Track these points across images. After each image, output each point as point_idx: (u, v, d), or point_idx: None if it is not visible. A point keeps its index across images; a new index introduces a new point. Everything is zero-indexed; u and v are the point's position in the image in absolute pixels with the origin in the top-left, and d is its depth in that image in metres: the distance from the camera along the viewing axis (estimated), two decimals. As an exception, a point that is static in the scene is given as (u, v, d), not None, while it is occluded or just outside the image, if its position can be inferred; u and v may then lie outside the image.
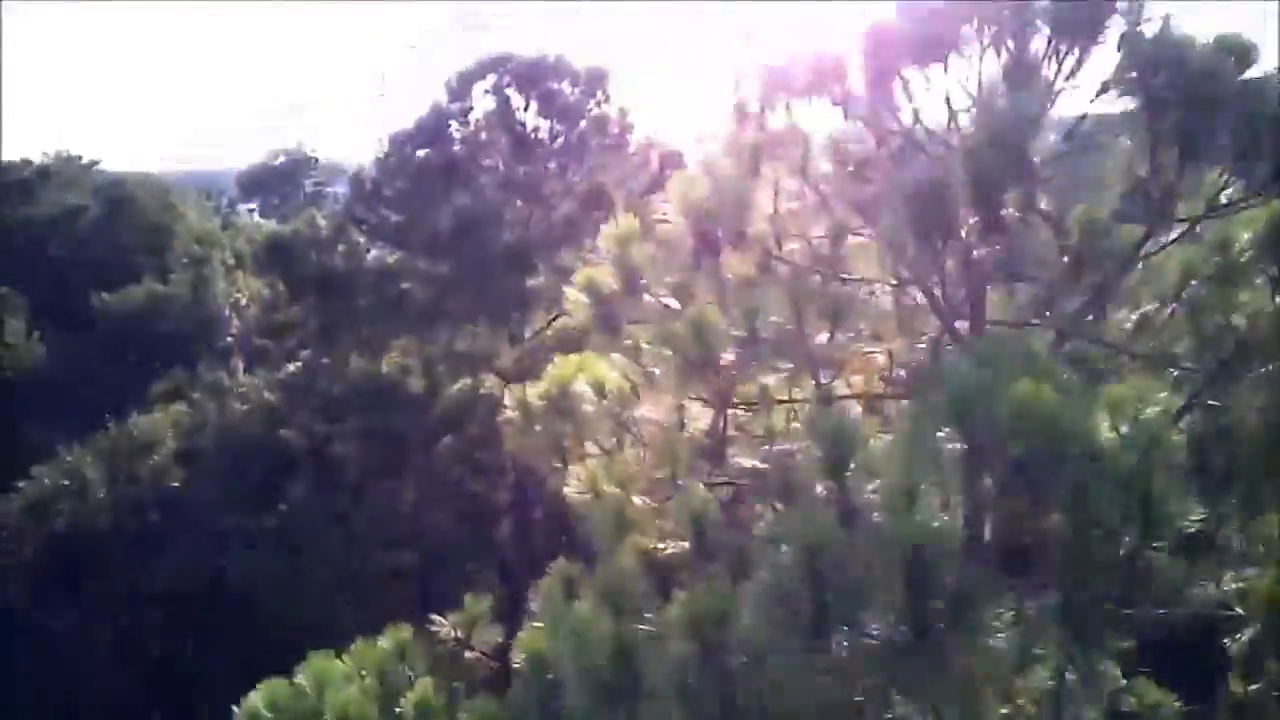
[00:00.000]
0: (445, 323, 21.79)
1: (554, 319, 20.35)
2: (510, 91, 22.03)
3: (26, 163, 51.34)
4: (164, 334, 42.45)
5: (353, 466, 22.31)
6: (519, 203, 21.80)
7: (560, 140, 22.21)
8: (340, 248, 22.77)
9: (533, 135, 22.10)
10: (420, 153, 21.90)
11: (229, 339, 42.36)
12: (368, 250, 23.05)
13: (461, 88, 22.51)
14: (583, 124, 22.16)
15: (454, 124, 22.26)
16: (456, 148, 21.90)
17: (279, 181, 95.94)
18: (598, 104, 22.50)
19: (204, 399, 26.76)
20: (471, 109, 22.47)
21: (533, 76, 22.02)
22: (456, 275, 20.81)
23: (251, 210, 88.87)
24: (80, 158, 69.73)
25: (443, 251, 20.99)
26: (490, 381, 21.21)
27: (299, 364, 23.74)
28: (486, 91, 22.23)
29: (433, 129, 22.28)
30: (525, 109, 22.25)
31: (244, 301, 43.02)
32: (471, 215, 20.46)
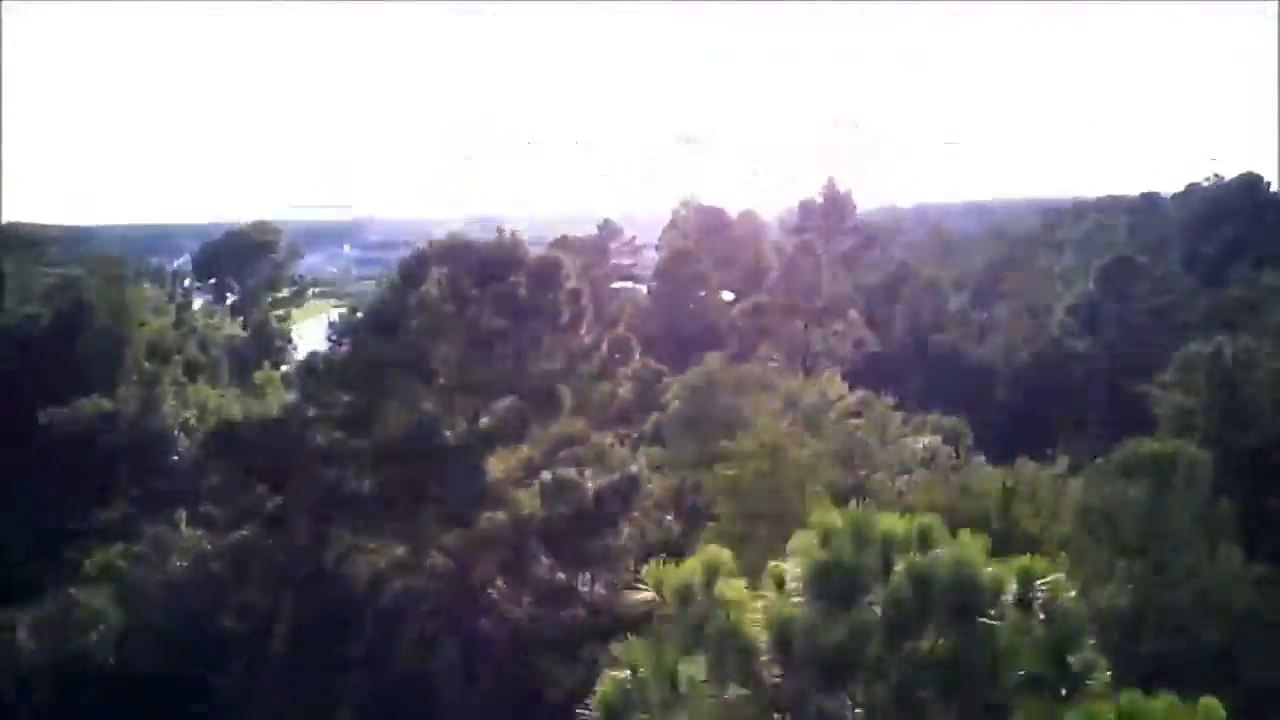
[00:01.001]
0: (392, 515, 21.90)
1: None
2: (465, 283, 22.40)
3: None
4: (111, 450, 42.06)
5: (288, 651, 22.16)
6: (468, 408, 22.07)
7: (513, 337, 22.55)
8: (291, 432, 22.85)
9: (486, 334, 22.41)
10: (373, 340, 22.16)
11: (174, 458, 42.07)
12: (316, 439, 23.09)
13: (416, 274, 22.81)
14: (534, 322, 22.56)
15: (410, 315, 22.53)
16: (411, 333, 22.16)
17: (238, 261, 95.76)
18: (550, 295, 22.91)
19: (147, 561, 26.51)
20: (423, 302, 22.73)
21: (486, 271, 22.37)
22: (404, 474, 20.99)
23: (208, 298, 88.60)
24: (33, 242, 69.34)
25: (391, 454, 21.16)
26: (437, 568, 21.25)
27: (245, 534, 23.66)
28: (440, 279, 22.57)
29: (386, 318, 22.53)
30: (479, 300, 22.60)
31: (193, 420, 42.83)
32: (421, 424, 20.66)
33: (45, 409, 42.48)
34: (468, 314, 22.57)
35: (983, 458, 62.32)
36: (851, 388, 72.95)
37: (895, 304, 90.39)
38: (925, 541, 6.13)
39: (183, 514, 28.04)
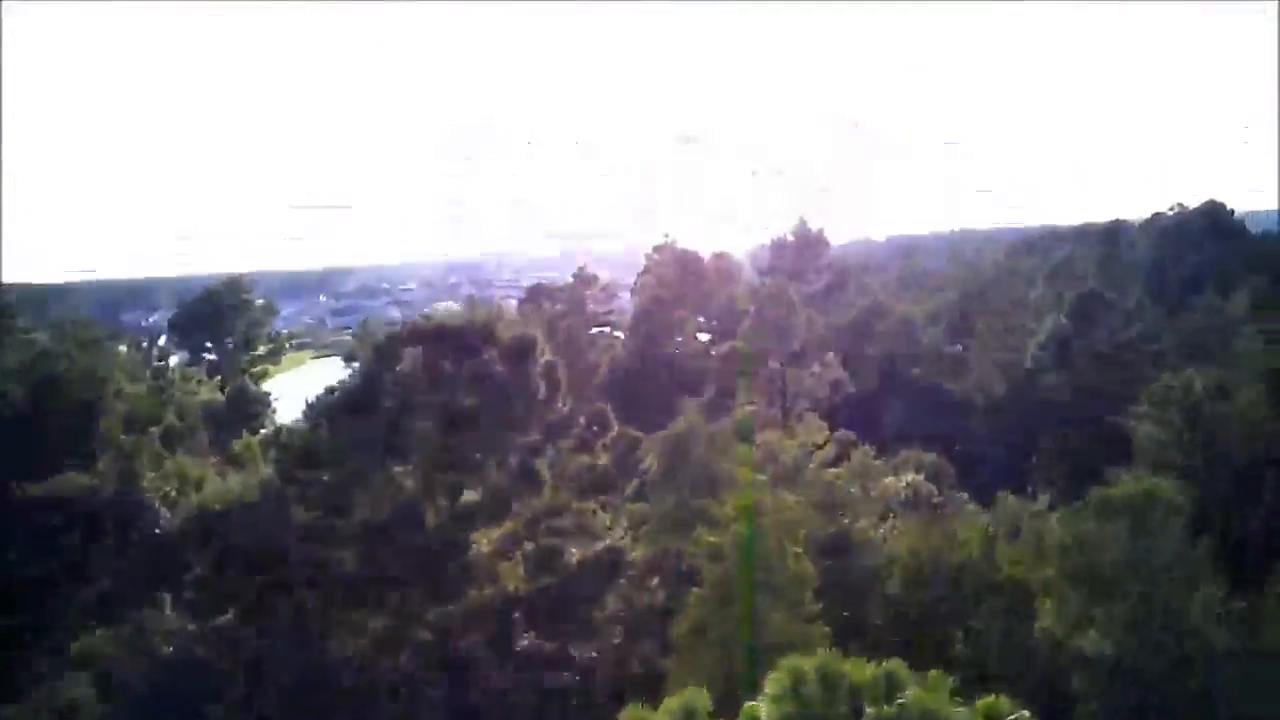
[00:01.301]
0: (374, 594, 21.93)
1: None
2: (440, 361, 22.57)
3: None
4: (91, 525, 41.67)
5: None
6: (446, 486, 22.18)
7: (490, 415, 22.70)
8: (269, 512, 22.87)
9: (462, 412, 22.58)
10: (351, 417, 22.27)
11: (156, 530, 41.76)
12: (297, 518, 23.10)
13: (391, 353, 22.98)
14: (509, 399, 22.73)
15: (385, 394, 22.67)
16: (388, 408, 22.27)
17: (213, 320, 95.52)
18: (524, 371, 23.10)
19: (131, 647, 26.32)
20: (400, 380, 22.87)
21: (461, 346, 22.57)
22: (386, 554, 21.02)
23: (184, 356, 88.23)
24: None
25: (372, 536, 21.20)
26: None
27: (229, 619, 23.59)
28: (415, 357, 22.73)
29: (361, 397, 22.67)
30: (454, 379, 22.75)
31: (172, 493, 42.60)
32: (400, 508, 20.72)
33: (20, 486, 42.23)
34: (443, 393, 22.70)
35: (964, 495, 62.84)
36: (831, 428, 73.67)
37: (869, 341, 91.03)
38: (893, 688, 6.31)
39: (166, 598, 27.83)
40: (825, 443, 38.26)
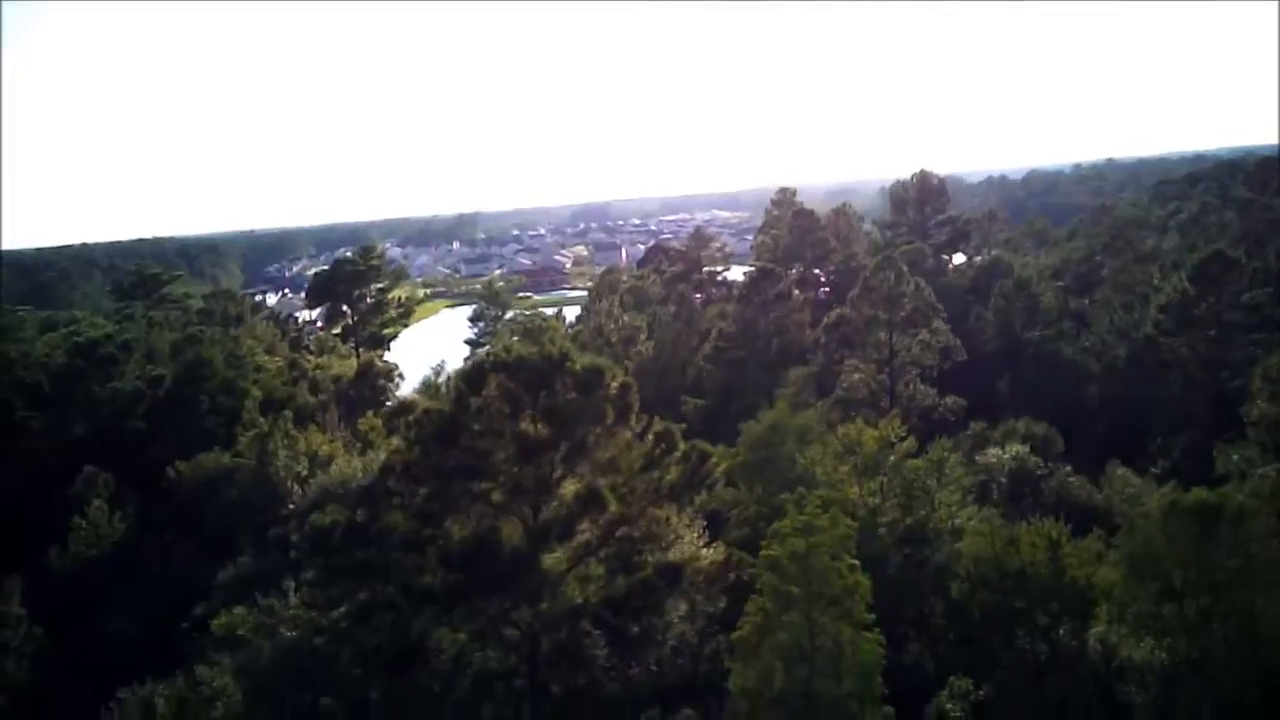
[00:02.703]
0: (462, 605, 24.60)
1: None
2: (517, 393, 24.83)
3: (106, 337, 55.95)
4: (231, 502, 45.99)
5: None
6: (524, 506, 24.59)
7: (563, 444, 24.93)
8: (373, 530, 25.75)
9: (535, 442, 24.85)
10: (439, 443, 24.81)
11: (291, 505, 45.70)
12: (399, 528, 25.81)
13: (474, 383, 25.38)
14: (578, 428, 24.87)
15: (470, 422, 25.08)
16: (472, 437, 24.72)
17: (347, 286, 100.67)
18: (594, 399, 25.18)
19: (262, 629, 29.85)
20: (483, 408, 25.26)
21: (536, 381, 24.79)
22: (471, 571, 23.61)
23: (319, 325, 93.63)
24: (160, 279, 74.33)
25: (457, 556, 23.78)
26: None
27: (341, 614, 26.68)
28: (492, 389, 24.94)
29: (450, 423, 25.18)
30: (531, 408, 25.01)
31: (303, 471, 46.51)
32: (480, 534, 23.18)
33: (174, 465, 46.93)
34: (520, 423, 25.04)
35: (1068, 467, 62.69)
36: (941, 394, 73.84)
37: (987, 302, 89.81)
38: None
39: (290, 585, 31.15)
40: (906, 435, 39.34)
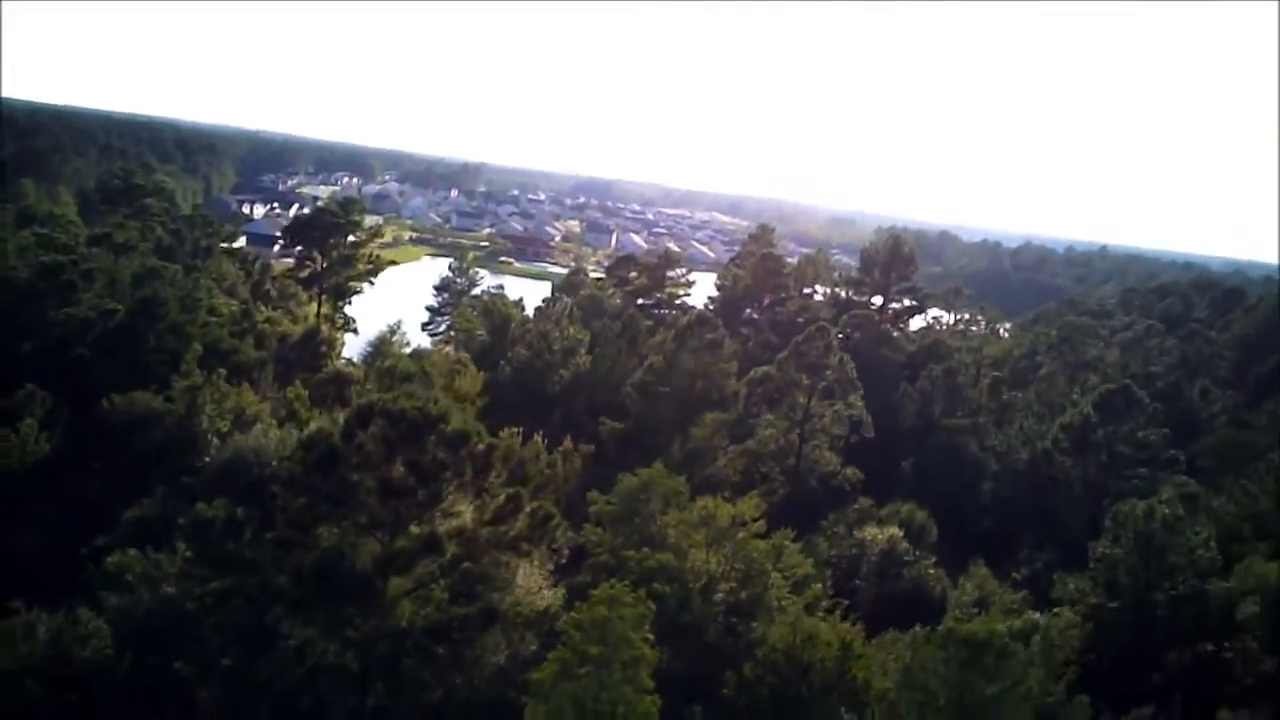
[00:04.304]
0: (314, 610, 28.91)
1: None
2: (393, 439, 29.11)
3: (71, 262, 59.47)
4: (154, 443, 49.83)
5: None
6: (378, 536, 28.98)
7: (421, 492, 29.23)
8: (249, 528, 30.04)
9: (399, 485, 29.14)
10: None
11: (206, 459, 49.62)
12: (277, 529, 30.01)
13: (362, 421, 29.53)
14: (439, 481, 29.13)
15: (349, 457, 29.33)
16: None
17: (322, 234, 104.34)
18: (460, 454, 29.46)
19: (142, 581, 33.90)
20: (361, 446, 29.38)
21: (410, 433, 28.99)
22: (325, 585, 28.07)
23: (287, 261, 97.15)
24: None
25: (317, 569, 28.12)
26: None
27: (210, 589, 30.77)
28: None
29: (331, 454, 29.34)
30: (401, 456, 29.36)
31: (225, 427, 50.46)
32: (329, 553, 27.53)
33: (110, 398, 50.71)
34: (389, 467, 29.28)
35: (933, 559, 67.68)
36: (847, 464, 78.64)
37: (920, 377, 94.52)
38: None
39: (180, 547, 35.05)
40: (759, 518, 43.79)
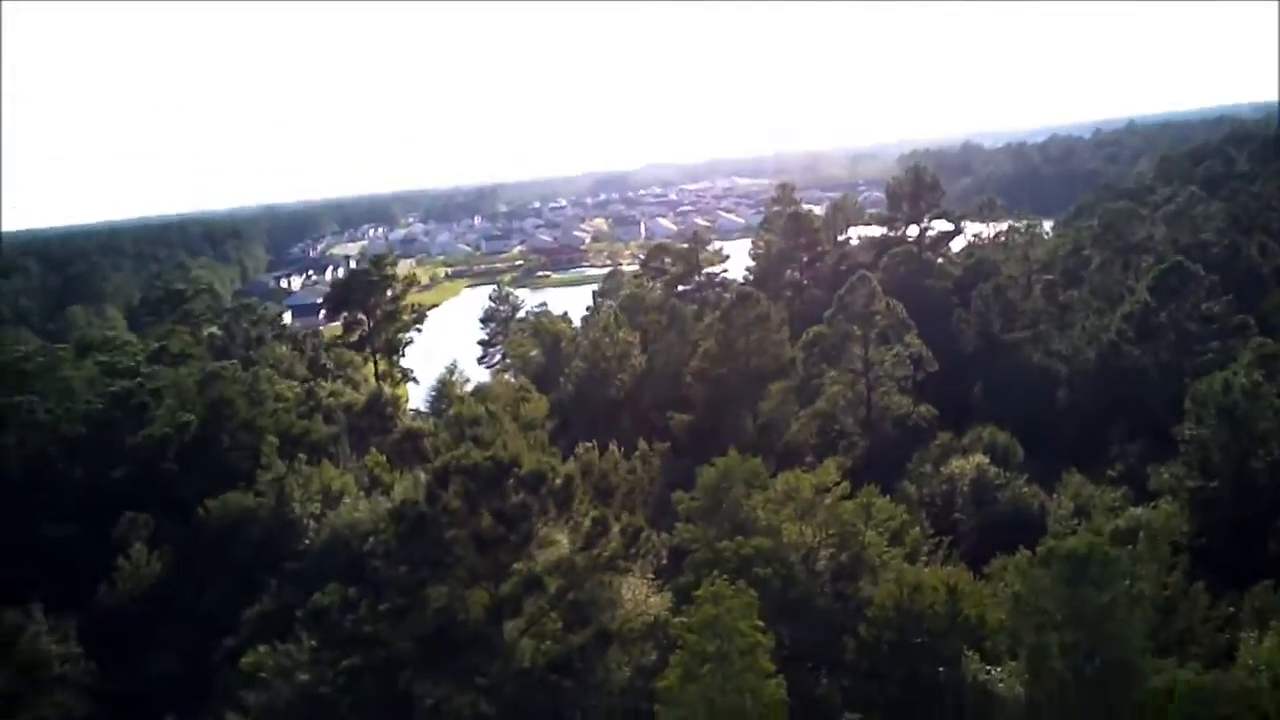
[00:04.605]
0: (436, 669, 30.29)
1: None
2: (475, 493, 30.21)
3: (137, 383, 61.75)
4: (254, 540, 51.80)
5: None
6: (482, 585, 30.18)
7: (512, 537, 30.33)
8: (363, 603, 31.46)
9: (490, 535, 30.23)
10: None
11: (306, 542, 51.46)
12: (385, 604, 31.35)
13: (442, 482, 30.83)
14: (524, 523, 30.19)
15: (437, 519, 30.50)
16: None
17: (362, 295, 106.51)
18: (539, 495, 30.52)
19: (277, 673, 35.56)
20: (447, 506, 30.65)
21: (488, 483, 30.15)
22: (442, 640, 29.27)
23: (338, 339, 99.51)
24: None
25: (430, 629, 29.43)
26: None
27: (341, 669, 32.27)
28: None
29: (420, 519, 30.63)
30: (486, 507, 30.37)
31: (316, 509, 52.30)
32: (440, 611, 28.81)
33: (204, 505, 52.83)
34: (477, 520, 30.56)
35: (1024, 477, 67.49)
36: (918, 400, 78.67)
37: (971, 299, 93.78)
38: None
39: (304, 636, 36.64)
40: (841, 480, 44.44)
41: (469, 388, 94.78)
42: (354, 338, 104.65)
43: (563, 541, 31.38)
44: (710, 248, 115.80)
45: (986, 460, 68.57)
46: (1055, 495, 63.08)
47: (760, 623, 31.20)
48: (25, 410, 59.80)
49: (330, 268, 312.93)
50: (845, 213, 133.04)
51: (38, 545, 52.86)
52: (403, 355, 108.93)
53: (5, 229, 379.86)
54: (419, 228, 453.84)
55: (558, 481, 31.21)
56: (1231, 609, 40.37)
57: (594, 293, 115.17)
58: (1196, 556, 44.57)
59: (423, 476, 32.91)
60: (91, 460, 57.29)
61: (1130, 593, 36.06)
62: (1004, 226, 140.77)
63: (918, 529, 49.11)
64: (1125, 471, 66.37)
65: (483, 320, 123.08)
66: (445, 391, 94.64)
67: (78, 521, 53.06)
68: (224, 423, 59.10)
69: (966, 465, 68.98)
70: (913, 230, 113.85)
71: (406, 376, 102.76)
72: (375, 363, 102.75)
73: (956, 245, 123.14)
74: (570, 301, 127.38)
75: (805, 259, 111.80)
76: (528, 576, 29.93)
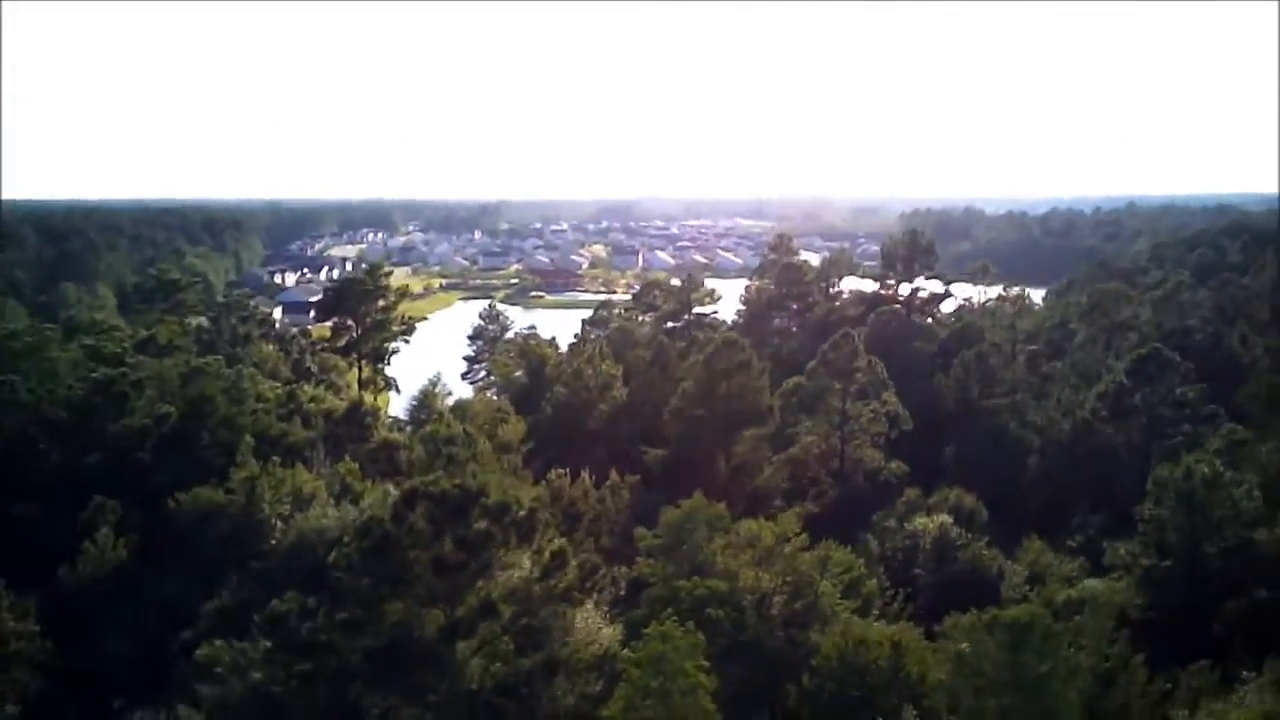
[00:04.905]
0: (390, 681, 31.08)
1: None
2: (440, 519, 31.13)
3: (121, 372, 62.43)
4: (221, 536, 52.33)
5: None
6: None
7: (472, 563, 31.27)
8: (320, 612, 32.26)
9: (450, 561, 31.12)
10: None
11: (272, 542, 52.01)
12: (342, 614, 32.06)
13: (409, 504, 31.74)
14: (488, 552, 31.14)
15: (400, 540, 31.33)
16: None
17: (354, 302, 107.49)
18: (502, 525, 31.43)
19: (233, 670, 36.15)
20: (411, 528, 31.50)
21: (453, 511, 31.06)
22: (397, 655, 30.16)
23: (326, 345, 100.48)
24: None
25: (389, 644, 30.28)
26: None
27: (294, 674, 32.98)
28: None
29: (384, 538, 31.48)
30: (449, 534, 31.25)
31: (286, 510, 52.92)
32: (397, 626, 29.57)
33: (174, 497, 53.41)
34: (439, 545, 31.50)
35: (985, 540, 68.37)
36: (890, 458, 79.59)
37: (953, 363, 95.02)
38: None
39: (258, 635, 37.21)
40: (802, 531, 45.42)
41: (450, 401, 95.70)
42: (341, 343, 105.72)
43: (525, 564, 32.25)
44: (704, 287, 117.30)
45: (950, 520, 69.48)
46: (1014, 560, 64.20)
47: (706, 663, 32.10)
48: (8, 389, 60.42)
49: (326, 268, 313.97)
50: (839, 267, 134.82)
51: (6, 523, 53.37)
52: (388, 364, 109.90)
53: (6, 196, 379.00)
54: (419, 237, 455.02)
55: (521, 514, 32.17)
56: (1169, 685, 41.24)
57: (583, 322, 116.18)
58: (1141, 632, 45.50)
59: (392, 491, 33.74)
60: (69, 445, 57.92)
61: (1069, 663, 37.06)
62: (995, 293, 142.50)
63: (874, 581, 50.08)
64: (1084, 543, 67.43)
65: (471, 337, 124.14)
66: (427, 402, 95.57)
67: (48, 503, 53.57)
68: (203, 419, 59.78)
69: (930, 523, 69.87)
70: (905, 289, 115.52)
71: (389, 384, 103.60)
72: (359, 369, 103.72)
73: (947, 307, 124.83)
74: (561, 324, 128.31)
75: (795, 308, 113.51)
76: (484, 601, 30.78)
